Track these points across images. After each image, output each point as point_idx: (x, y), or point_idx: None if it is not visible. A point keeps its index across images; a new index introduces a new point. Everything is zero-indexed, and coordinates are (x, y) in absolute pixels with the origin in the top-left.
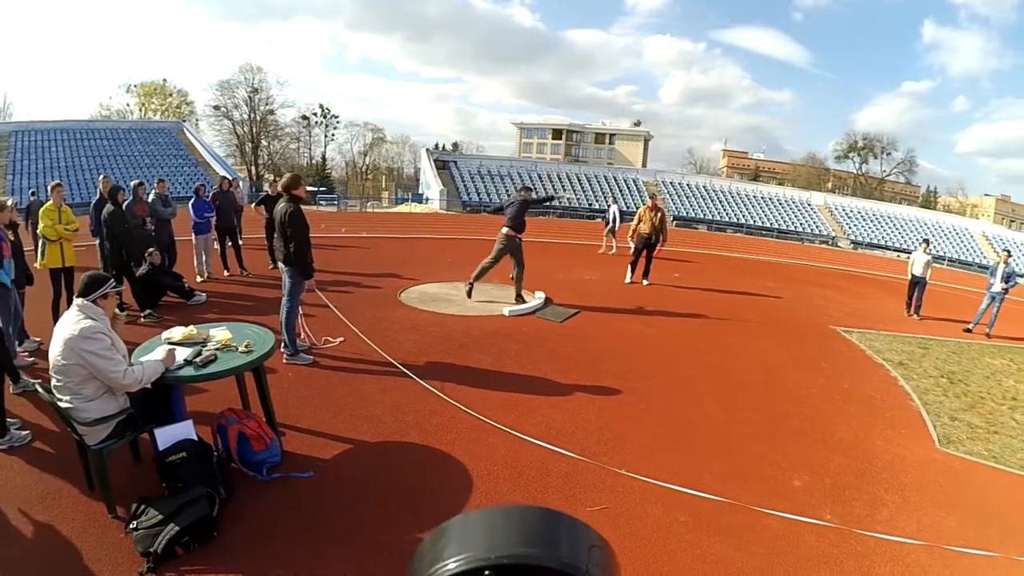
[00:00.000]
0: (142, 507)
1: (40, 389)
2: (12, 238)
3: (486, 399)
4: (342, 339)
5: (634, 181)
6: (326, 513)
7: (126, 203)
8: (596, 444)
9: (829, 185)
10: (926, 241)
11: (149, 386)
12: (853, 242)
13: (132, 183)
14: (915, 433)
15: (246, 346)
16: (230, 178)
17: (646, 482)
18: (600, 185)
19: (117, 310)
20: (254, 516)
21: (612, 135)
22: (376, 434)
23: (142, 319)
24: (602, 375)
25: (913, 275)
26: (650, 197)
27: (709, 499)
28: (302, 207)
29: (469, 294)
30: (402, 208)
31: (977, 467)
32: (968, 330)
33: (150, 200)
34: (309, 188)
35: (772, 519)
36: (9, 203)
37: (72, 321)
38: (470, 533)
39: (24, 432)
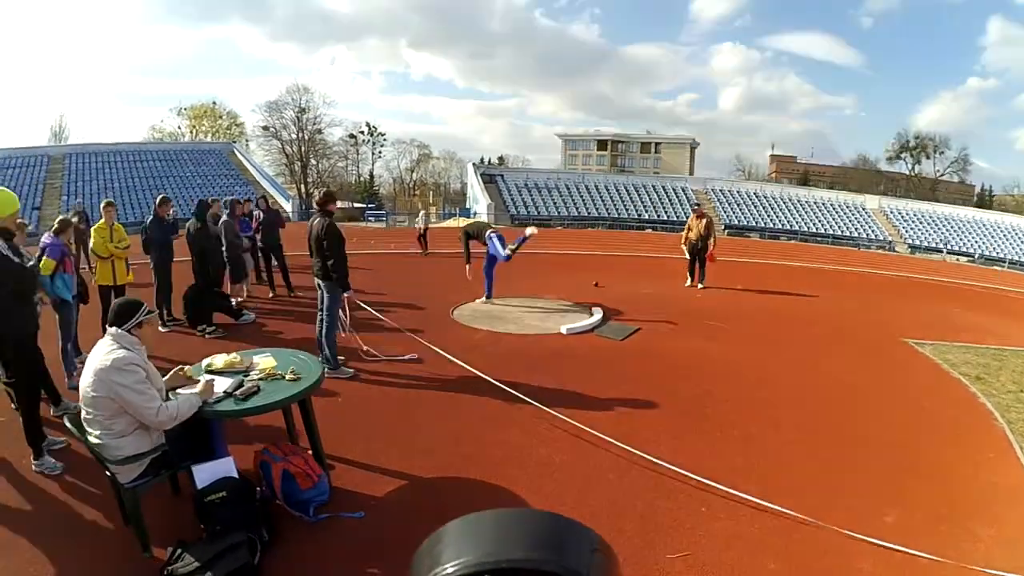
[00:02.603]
0: (178, 552)
1: (69, 424)
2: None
3: (551, 428)
4: (414, 355)
5: (683, 189)
6: (378, 558)
7: (222, 220)
8: (672, 480)
9: (882, 187)
10: None
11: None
12: (911, 246)
13: (226, 199)
14: (1002, 457)
15: (292, 373)
16: (267, 198)
17: (727, 522)
18: (648, 195)
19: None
20: (299, 560)
21: (657, 144)
22: (432, 468)
23: (208, 334)
24: (671, 398)
25: None
26: (696, 206)
27: (797, 540)
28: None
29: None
30: (450, 223)
31: None
32: None
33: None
34: (357, 205)
35: (865, 561)
36: (74, 220)
37: (104, 351)
38: (469, 536)
39: (57, 463)
